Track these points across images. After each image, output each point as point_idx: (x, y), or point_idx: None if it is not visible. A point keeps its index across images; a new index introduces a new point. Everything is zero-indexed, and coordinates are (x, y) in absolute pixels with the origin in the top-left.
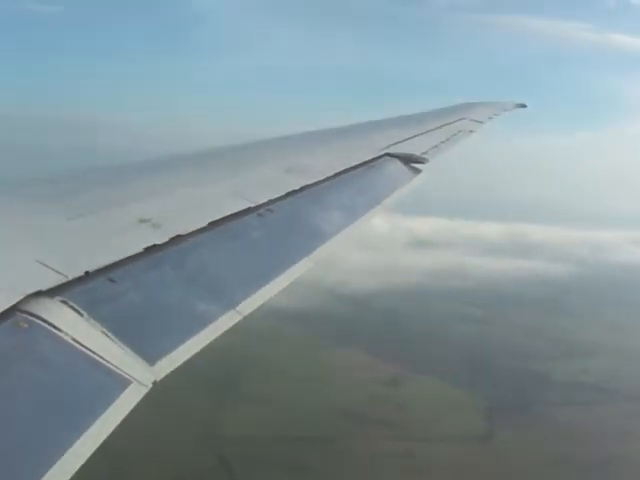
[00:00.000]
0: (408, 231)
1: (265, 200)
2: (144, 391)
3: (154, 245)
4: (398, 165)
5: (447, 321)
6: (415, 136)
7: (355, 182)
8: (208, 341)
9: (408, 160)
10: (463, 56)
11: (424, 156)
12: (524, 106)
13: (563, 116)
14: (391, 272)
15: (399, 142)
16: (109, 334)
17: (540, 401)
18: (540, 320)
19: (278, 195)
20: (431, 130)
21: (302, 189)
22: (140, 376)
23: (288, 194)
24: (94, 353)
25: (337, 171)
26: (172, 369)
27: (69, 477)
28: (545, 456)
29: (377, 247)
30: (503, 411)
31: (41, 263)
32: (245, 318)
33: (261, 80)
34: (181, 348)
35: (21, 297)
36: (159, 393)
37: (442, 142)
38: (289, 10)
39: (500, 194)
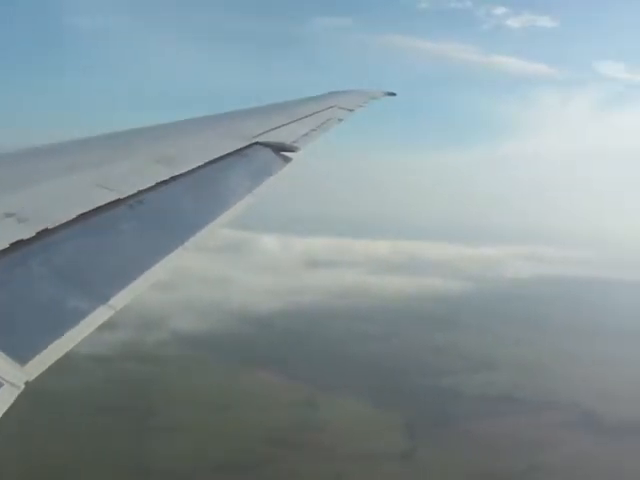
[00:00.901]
0: (303, 252)
1: (134, 191)
2: (16, 392)
3: (20, 240)
4: (269, 154)
5: (352, 340)
6: (285, 124)
7: (226, 171)
8: (80, 338)
9: (279, 149)
10: (346, 75)
11: (295, 144)
12: (393, 94)
13: (447, 136)
14: (292, 292)
15: (269, 130)
16: None
17: (456, 416)
18: (442, 336)
19: (148, 186)
20: (301, 118)
21: (172, 179)
22: (11, 377)
23: (158, 184)
24: None
25: (207, 160)
26: (44, 368)
27: None
28: (467, 469)
29: (275, 268)
30: (422, 427)
31: None
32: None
33: (132, 98)
34: (52, 346)
35: None
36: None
37: (312, 130)
38: (165, 30)
39: (385, 212)
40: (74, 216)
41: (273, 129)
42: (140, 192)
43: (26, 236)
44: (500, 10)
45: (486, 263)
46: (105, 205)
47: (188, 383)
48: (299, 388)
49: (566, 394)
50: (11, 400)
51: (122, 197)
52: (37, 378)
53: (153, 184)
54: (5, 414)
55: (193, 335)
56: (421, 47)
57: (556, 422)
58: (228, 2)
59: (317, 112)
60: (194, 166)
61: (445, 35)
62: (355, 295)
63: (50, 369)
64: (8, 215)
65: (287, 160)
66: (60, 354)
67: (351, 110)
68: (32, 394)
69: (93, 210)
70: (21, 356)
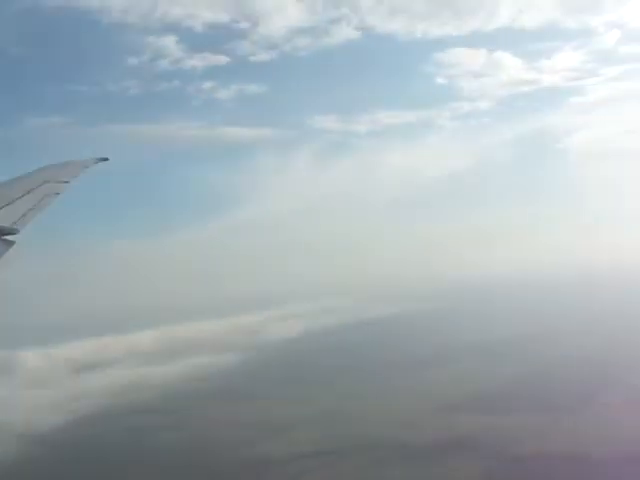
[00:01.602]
0: (66, 359)
1: None
2: None
3: None
4: None
5: (145, 437)
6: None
7: None
8: None
9: None
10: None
11: (14, 227)
12: (105, 159)
13: (183, 213)
14: (69, 401)
15: None
16: None
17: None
18: (231, 409)
19: None
20: (16, 199)
21: None
22: None
23: None
24: None
25: None
26: None
27: None
28: None
29: (44, 382)
30: None
31: None
32: None
33: None
34: None
35: None
36: None
37: (30, 210)
38: None
39: (130, 301)
40: None
41: None
42: None
43: None
44: (208, 84)
45: (249, 331)
46: None
47: None
48: None
49: (373, 433)
50: None
51: None
52: None
53: None
54: None
55: None
56: (144, 132)
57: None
58: None
59: (32, 189)
60: None
61: (165, 116)
62: (132, 390)
63: None
64: None
65: (9, 244)
66: None
67: (66, 182)
68: None
69: None
70: None
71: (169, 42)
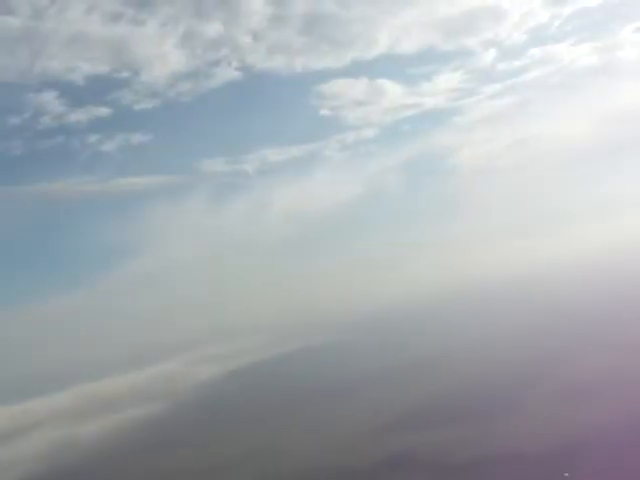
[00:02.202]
0: None
1: None
2: None
3: None
4: None
5: None
6: None
7: None
8: None
9: None
10: None
11: None
12: None
13: (81, 270)
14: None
15: None
16: None
17: None
18: (163, 459)
19: None
20: None
21: None
22: None
23: None
24: None
25: None
26: None
27: None
28: None
29: None
30: None
31: None
32: None
33: None
34: None
35: None
36: None
37: None
38: None
39: (37, 367)
40: None
41: None
42: None
43: None
44: (93, 137)
45: (168, 378)
46: None
47: None
48: None
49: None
50: None
51: None
52: None
53: None
54: None
55: None
56: (31, 192)
57: None
58: None
59: None
60: None
61: (53, 174)
62: (63, 453)
63: None
64: None
65: None
66: None
67: None
68: None
69: None
70: None
71: (50, 98)
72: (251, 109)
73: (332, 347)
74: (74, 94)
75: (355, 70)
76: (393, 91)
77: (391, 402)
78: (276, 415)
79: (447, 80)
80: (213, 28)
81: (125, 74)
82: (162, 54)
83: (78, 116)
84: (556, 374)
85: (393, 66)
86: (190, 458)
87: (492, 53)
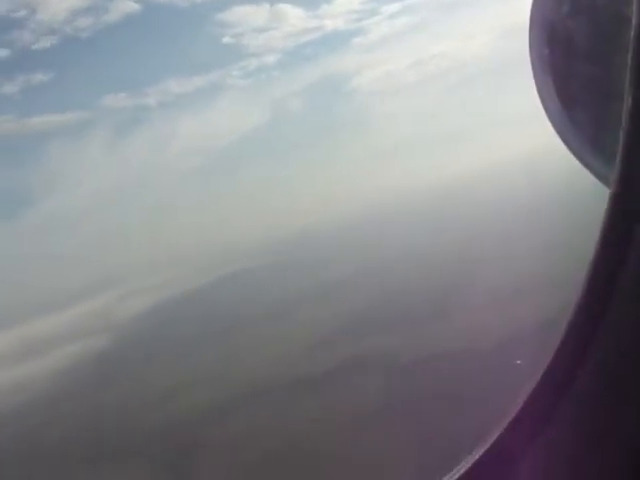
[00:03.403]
0: None
1: None
2: None
3: None
4: None
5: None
6: None
7: None
8: None
9: None
10: None
11: None
12: None
13: None
14: None
15: None
16: None
17: None
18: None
19: None
20: None
21: None
22: None
23: None
24: None
25: None
26: None
27: None
28: None
29: None
30: None
31: None
32: None
33: None
34: None
35: None
36: None
37: None
38: None
39: None
40: None
41: None
42: None
43: None
44: None
45: (100, 313)
46: None
47: None
48: None
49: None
50: None
51: None
52: None
53: None
54: None
55: None
56: None
57: None
58: None
59: None
60: None
61: None
62: (7, 395)
63: None
64: None
65: None
66: None
67: None
68: None
69: None
70: None
71: None
72: (152, 41)
73: (255, 271)
74: None
75: None
76: (293, 15)
77: (327, 318)
78: (216, 339)
79: (347, 2)
80: None
81: (21, 13)
82: None
83: None
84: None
85: None
86: (136, 391)
87: None
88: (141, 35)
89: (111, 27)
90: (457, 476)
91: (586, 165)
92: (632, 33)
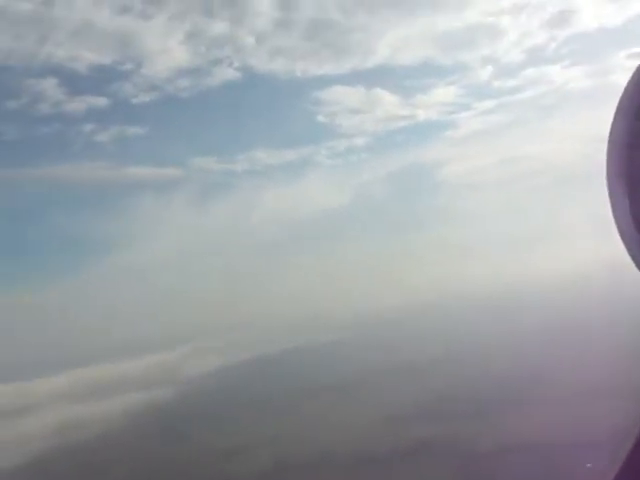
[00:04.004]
0: None
1: None
2: None
3: None
4: None
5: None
6: None
7: None
8: None
9: None
10: None
11: None
12: None
13: (66, 261)
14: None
15: None
16: None
17: None
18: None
19: None
20: None
21: None
22: None
23: None
24: None
25: None
26: None
27: None
28: None
29: None
30: None
31: None
32: None
33: None
34: None
35: None
36: None
37: None
38: None
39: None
40: None
41: None
42: None
43: None
44: (88, 127)
45: (169, 368)
46: None
47: None
48: None
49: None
50: None
51: None
52: None
53: None
54: None
55: None
56: (22, 176)
57: None
58: None
59: None
60: None
61: (44, 160)
62: (69, 433)
63: None
64: None
65: None
66: None
67: None
68: None
69: None
70: None
71: (49, 85)
72: (247, 110)
73: (328, 346)
74: (74, 83)
75: (353, 78)
76: (388, 101)
77: (398, 399)
78: (282, 407)
79: (442, 94)
80: (219, 27)
81: (128, 66)
82: (166, 49)
83: (75, 105)
84: (558, 377)
85: (390, 77)
86: (196, 444)
87: (489, 70)
88: (238, 102)
89: (211, 91)
90: None
91: None
92: None
